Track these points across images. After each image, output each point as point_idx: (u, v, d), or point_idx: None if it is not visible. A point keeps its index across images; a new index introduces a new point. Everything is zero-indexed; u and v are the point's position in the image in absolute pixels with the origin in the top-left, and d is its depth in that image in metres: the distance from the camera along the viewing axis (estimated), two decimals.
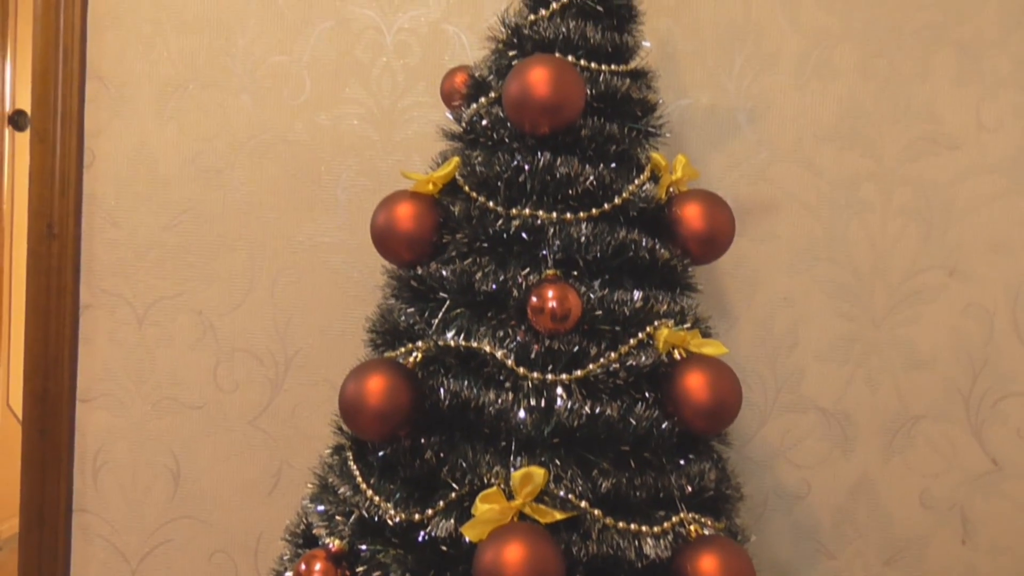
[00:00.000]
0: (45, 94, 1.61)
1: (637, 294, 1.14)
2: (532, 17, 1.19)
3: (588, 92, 1.16)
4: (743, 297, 1.59)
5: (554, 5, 1.18)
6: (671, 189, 1.20)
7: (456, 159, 1.19)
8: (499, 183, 1.16)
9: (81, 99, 1.61)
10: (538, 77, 1.10)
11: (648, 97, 1.21)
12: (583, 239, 1.14)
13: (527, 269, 1.14)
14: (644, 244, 1.16)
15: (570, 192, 1.16)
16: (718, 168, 1.57)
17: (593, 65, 1.18)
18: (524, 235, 1.14)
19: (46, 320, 1.63)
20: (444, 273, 1.17)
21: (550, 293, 1.10)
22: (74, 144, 1.61)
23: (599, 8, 1.18)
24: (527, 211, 1.15)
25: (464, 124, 1.22)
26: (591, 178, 1.16)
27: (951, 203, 1.56)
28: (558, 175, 1.15)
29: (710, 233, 1.18)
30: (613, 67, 1.19)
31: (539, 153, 1.16)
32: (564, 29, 1.18)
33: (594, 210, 1.16)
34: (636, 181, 1.18)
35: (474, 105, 1.22)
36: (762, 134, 1.56)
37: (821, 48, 1.55)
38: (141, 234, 1.63)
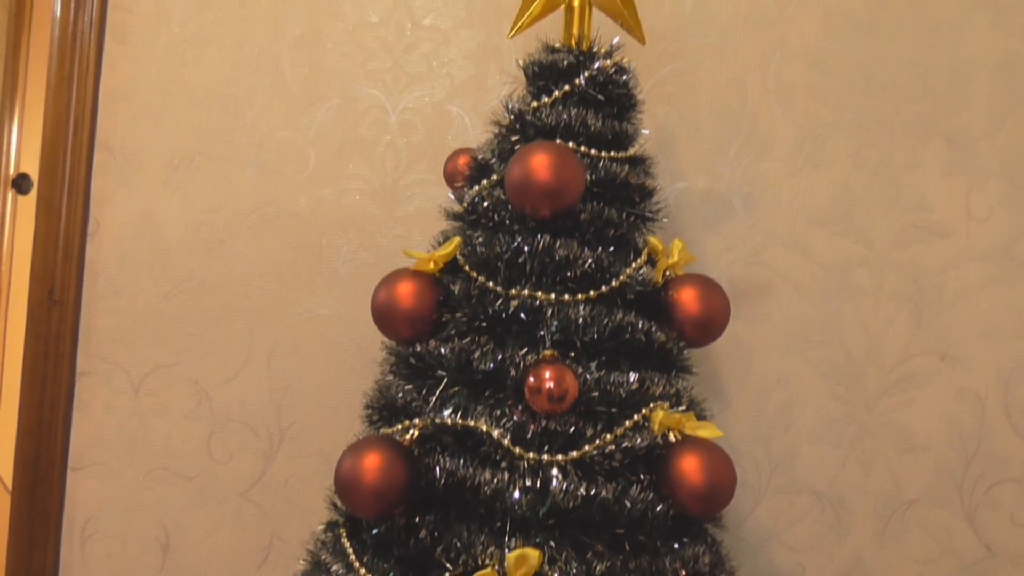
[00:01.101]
0: (53, 163, 1.64)
1: (633, 376, 1.16)
2: (535, 104, 1.23)
3: (588, 177, 1.19)
4: (737, 378, 1.60)
5: (556, 93, 1.22)
6: (667, 273, 1.22)
7: (457, 239, 1.21)
8: (499, 263, 1.18)
9: (89, 168, 1.64)
10: (540, 163, 1.13)
11: (646, 183, 1.24)
12: (581, 320, 1.16)
13: (525, 349, 1.15)
14: (641, 327, 1.18)
15: (569, 274, 1.18)
16: (714, 250, 1.60)
17: (593, 151, 1.22)
18: (523, 315, 1.16)
19: (42, 387, 1.63)
20: (443, 351, 1.18)
21: (547, 374, 1.12)
22: (79, 212, 1.64)
23: (600, 97, 1.22)
24: (526, 292, 1.17)
25: (466, 205, 1.25)
26: (589, 261, 1.18)
27: (942, 289, 1.59)
28: (557, 257, 1.18)
29: (706, 317, 1.20)
30: (613, 153, 1.23)
31: (539, 235, 1.18)
32: (566, 116, 1.22)
33: (592, 292, 1.18)
34: (633, 264, 1.20)
35: (476, 187, 1.25)
36: (757, 218, 1.60)
37: (814, 136, 1.59)
38: (141, 302, 1.64)
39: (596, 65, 1.22)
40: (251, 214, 1.63)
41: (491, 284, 1.18)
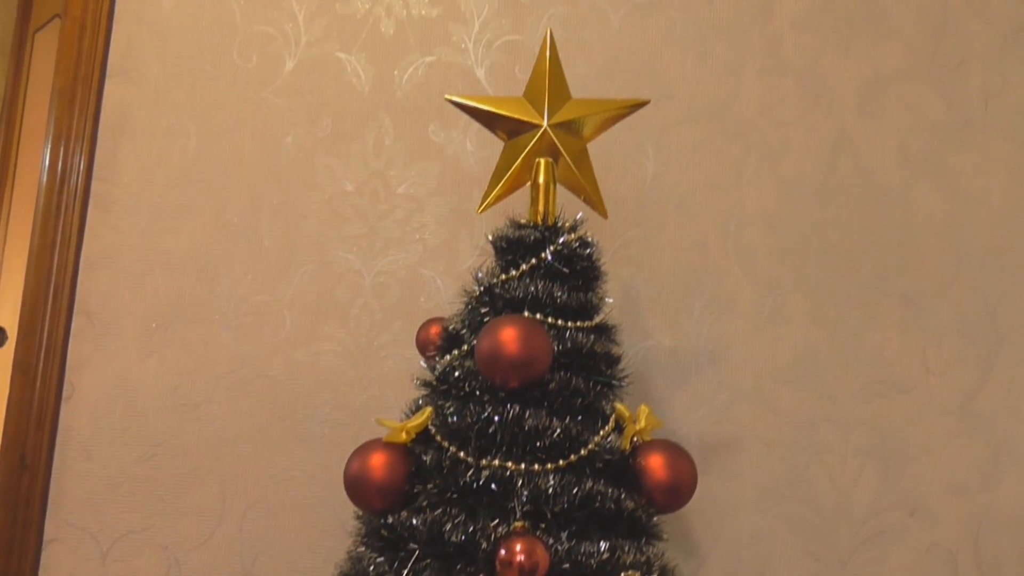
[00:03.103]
0: (32, 327, 1.66)
1: (604, 545, 1.16)
2: (503, 276, 1.28)
3: (555, 348, 1.23)
4: (710, 535, 1.60)
5: (524, 266, 1.28)
6: (635, 439, 1.24)
7: (429, 409, 1.24)
8: (470, 434, 1.20)
9: (66, 333, 1.66)
10: (509, 336, 1.17)
11: (612, 350, 1.28)
12: (551, 490, 1.17)
13: (496, 520, 1.16)
14: (610, 495, 1.19)
15: (538, 444, 1.20)
16: (681, 408, 1.63)
17: (560, 322, 1.26)
18: (493, 486, 1.17)
19: (7, 556, 1.60)
20: (414, 522, 1.18)
21: (518, 547, 1.12)
22: (55, 376, 1.65)
23: (565, 270, 1.28)
24: (496, 462, 1.18)
25: (437, 375, 1.28)
26: (558, 430, 1.20)
27: (906, 444, 1.62)
28: (527, 427, 1.20)
29: (673, 483, 1.22)
30: (579, 323, 1.27)
31: (508, 406, 1.21)
32: (533, 288, 1.26)
33: (561, 461, 1.20)
34: (601, 432, 1.23)
35: (448, 356, 1.28)
36: (723, 375, 1.64)
37: (775, 296, 1.66)
38: (113, 467, 1.64)
39: (561, 240, 1.28)
40: (227, 376, 1.65)
41: (462, 454, 1.20)
